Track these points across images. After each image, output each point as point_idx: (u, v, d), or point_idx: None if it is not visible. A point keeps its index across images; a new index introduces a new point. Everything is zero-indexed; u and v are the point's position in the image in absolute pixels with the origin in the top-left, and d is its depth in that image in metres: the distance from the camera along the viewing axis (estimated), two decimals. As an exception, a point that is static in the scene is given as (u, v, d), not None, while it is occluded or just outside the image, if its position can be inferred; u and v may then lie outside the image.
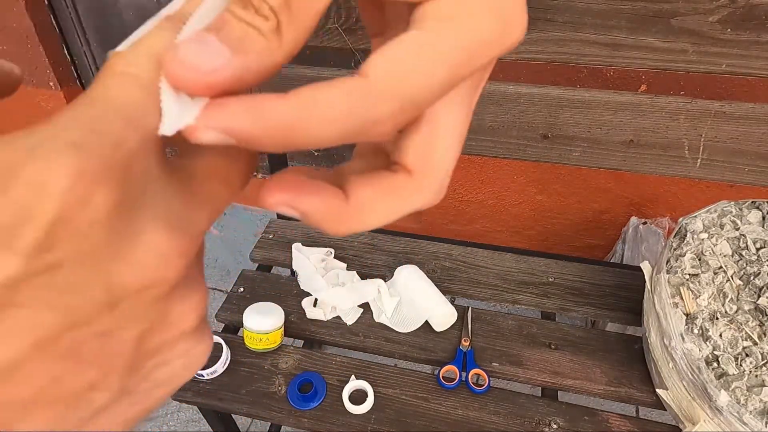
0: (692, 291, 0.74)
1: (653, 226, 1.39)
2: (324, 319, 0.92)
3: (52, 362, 0.12)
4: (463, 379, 0.82)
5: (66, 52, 1.92)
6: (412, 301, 0.91)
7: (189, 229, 0.15)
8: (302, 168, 0.16)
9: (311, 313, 0.92)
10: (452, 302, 0.92)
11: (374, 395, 0.80)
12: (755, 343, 0.69)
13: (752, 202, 0.83)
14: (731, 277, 0.75)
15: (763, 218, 0.81)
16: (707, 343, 0.70)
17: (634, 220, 1.44)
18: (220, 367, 0.84)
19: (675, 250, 0.79)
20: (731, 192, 1.32)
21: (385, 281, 0.94)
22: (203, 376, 0.83)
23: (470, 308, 0.92)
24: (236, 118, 0.13)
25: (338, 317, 0.92)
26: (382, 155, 0.18)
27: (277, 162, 1.07)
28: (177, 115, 0.14)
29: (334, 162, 1.80)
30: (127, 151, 0.13)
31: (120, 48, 0.14)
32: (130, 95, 0.13)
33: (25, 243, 0.11)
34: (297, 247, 1.02)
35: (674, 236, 0.80)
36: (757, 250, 0.77)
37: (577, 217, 1.55)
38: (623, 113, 0.83)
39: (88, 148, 0.12)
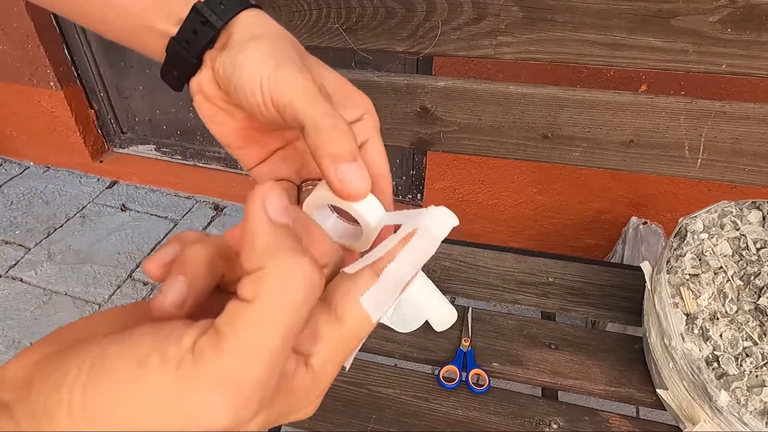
0: (692, 291, 0.74)
1: (653, 226, 1.40)
2: (324, 319, 0.91)
3: None
4: (463, 379, 0.82)
5: (66, 52, 1.91)
6: (412, 301, 0.91)
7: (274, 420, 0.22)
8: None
9: (311, 313, 0.92)
10: (452, 302, 0.92)
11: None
12: (755, 344, 0.69)
13: (752, 202, 0.83)
14: (731, 277, 0.75)
15: (764, 218, 0.81)
16: (707, 343, 0.70)
17: (634, 220, 1.44)
18: (220, 367, 0.83)
19: (675, 250, 0.79)
20: (732, 192, 1.32)
21: (385, 281, 0.94)
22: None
23: (470, 308, 0.92)
24: None
25: (338, 317, 0.92)
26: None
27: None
28: None
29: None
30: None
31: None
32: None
33: None
34: (297, 247, 1.02)
35: (674, 236, 0.80)
36: (758, 250, 0.77)
37: (577, 217, 1.55)
38: (623, 113, 0.83)
39: (260, 399, 0.18)
